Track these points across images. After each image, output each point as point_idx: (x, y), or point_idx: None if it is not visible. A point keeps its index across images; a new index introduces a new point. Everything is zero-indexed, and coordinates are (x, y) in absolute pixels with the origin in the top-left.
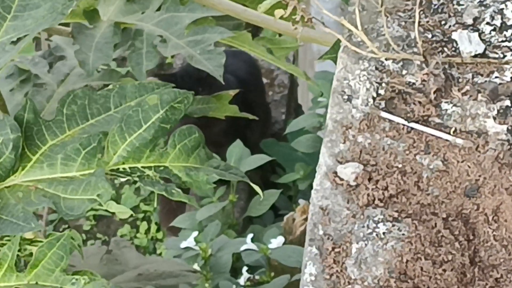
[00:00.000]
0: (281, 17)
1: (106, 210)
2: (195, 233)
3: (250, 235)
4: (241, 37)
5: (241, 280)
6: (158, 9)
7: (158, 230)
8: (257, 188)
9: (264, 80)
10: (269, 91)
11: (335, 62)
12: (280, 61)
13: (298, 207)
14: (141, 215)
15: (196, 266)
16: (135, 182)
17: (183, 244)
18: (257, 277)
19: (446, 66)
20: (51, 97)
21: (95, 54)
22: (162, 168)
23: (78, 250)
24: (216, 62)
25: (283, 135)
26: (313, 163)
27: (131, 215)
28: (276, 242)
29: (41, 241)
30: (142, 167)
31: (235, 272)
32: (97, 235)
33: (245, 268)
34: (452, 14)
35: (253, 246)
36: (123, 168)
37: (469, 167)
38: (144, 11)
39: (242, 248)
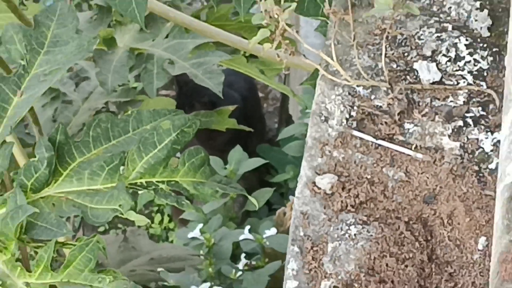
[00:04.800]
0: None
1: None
2: (201, 225)
3: (248, 227)
4: (237, 60)
5: (240, 265)
6: (166, 37)
7: (170, 221)
8: (253, 200)
9: (260, 94)
10: (264, 104)
11: (314, 88)
12: (271, 80)
13: (289, 202)
14: (155, 208)
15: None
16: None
17: (190, 235)
18: (253, 262)
19: (409, 91)
20: (77, 111)
21: (113, 76)
22: (173, 182)
23: (103, 252)
24: (216, 80)
25: (276, 141)
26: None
27: (147, 208)
28: (270, 232)
29: (71, 244)
30: (156, 181)
31: (235, 258)
32: (118, 225)
33: (243, 255)
34: (413, 47)
35: (250, 236)
36: (140, 182)
37: (427, 178)
38: (155, 39)
39: (241, 237)
